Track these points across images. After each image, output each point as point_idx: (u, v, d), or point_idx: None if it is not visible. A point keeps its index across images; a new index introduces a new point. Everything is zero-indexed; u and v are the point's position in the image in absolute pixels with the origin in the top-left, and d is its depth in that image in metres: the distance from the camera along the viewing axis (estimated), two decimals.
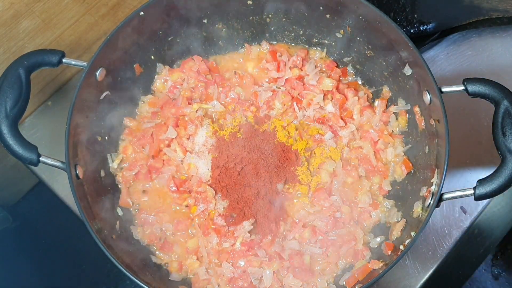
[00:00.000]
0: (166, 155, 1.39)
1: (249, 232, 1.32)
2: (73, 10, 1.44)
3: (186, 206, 1.37)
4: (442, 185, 1.17)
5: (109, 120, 1.37)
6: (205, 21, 1.45)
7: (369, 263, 1.27)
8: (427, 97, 1.26)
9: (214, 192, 1.35)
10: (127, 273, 1.13)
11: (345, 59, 1.50)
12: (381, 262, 1.26)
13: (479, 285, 1.88)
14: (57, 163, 1.19)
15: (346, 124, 1.42)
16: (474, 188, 1.15)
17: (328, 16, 1.41)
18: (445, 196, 1.16)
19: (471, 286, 1.88)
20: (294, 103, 1.44)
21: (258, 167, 1.36)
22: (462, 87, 1.19)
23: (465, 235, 1.47)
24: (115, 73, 1.34)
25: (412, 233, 1.22)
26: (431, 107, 1.26)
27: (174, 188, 1.36)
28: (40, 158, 1.18)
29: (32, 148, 1.17)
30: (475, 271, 1.85)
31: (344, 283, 1.28)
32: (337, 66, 1.51)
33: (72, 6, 1.43)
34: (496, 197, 1.18)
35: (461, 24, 1.56)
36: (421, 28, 1.54)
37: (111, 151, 1.39)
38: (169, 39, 1.43)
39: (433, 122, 1.27)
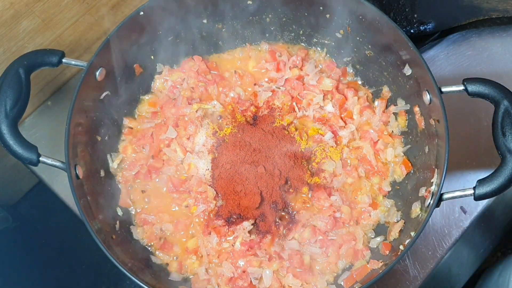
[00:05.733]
0: (166, 155, 1.39)
1: (249, 232, 1.32)
2: (73, 10, 1.44)
3: (186, 206, 1.36)
4: (442, 185, 1.17)
5: (109, 120, 1.37)
6: (205, 21, 1.45)
7: (368, 263, 1.27)
8: (427, 97, 1.26)
9: (214, 192, 1.35)
10: (127, 273, 1.13)
11: (345, 59, 1.50)
12: (381, 262, 1.26)
13: (479, 286, 1.88)
14: (57, 163, 1.19)
15: (346, 124, 1.42)
16: (474, 188, 1.15)
17: (328, 16, 1.41)
18: (445, 196, 1.16)
19: (471, 286, 1.88)
20: (294, 103, 1.44)
21: (258, 167, 1.35)
22: (462, 87, 1.19)
23: (465, 235, 1.47)
24: (115, 73, 1.34)
25: (412, 233, 1.22)
26: (431, 107, 1.26)
27: (174, 188, 1.36)
28: (40, 158, 1.18)
29: (32, 148, 1.17)
30: (475, 271, 1.85)
31: (342, 283, 1.28)
32: (337, 66, 1.51)
33: (72, 6, 1.43)
34: (496, 197, 1.18)
35: (461, 24, 1.56)
36: (421, 28, 1.54)
37: (111, 151, 1.39)
38: (169, 39, 1.43)
39: (433, 122, 1.27)
